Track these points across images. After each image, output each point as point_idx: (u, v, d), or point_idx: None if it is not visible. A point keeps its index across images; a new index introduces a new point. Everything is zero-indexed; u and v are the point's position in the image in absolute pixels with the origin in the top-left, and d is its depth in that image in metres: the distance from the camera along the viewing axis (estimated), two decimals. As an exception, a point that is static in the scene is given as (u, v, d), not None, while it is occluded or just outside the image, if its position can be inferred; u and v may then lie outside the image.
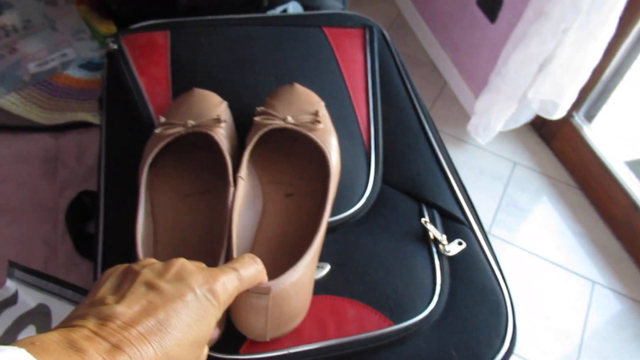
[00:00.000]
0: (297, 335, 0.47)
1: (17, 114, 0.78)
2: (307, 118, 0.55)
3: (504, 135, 1.66)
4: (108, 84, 0.65)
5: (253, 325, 0.43)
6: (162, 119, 0.56)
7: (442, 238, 0.55)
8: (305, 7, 0.84)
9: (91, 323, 0.29)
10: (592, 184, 1.55)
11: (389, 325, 0.48)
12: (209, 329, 0.33)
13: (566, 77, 1.40)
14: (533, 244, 1.44)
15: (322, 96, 0.63)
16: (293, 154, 0.58)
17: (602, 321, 1.30)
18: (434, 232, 0.55)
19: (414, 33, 1.94)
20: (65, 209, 0.70)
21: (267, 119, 0.54)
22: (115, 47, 0.67)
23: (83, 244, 0.66)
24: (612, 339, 1.27)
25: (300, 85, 0.61)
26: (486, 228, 1.45)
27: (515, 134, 1.68)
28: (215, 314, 0.33)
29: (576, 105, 1.53)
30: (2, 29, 0.83)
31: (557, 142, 1.64)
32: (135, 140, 0.59)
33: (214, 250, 0.51)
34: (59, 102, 0.80)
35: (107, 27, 0.87)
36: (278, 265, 0.49)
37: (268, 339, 0.45)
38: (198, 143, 0.58)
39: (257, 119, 0.55)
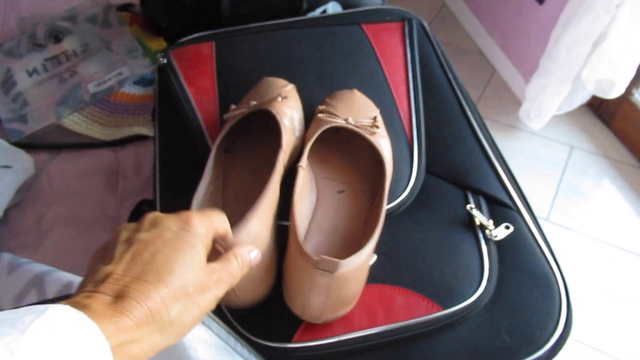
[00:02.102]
0: (347, 323, 0.48)
1: (80, 132, 0.83)
2: (367, 122, 0.58)
3: (559, 118, 1.61)
4: (159, 97, 0.69)
5: (312, 303, 0.45)
6: (233, 107, 0.60)
7: (489, 223, 0.55)
8: (345, 6, 0.86)
9: (89, 287, 0.32)
10: (657, 163, 1.48)
11: (438, 311, 0.49)
12: (199, 255, 0.35)
13: (622, 54, 1.34)
14: (597, 229, 1.39)
15: (364, 92, 0.64)
16: (347, 154, 0.60)
17: (677, 305, 1.24)
18: (479, 217, 0.55)
19: (459, 22, 1.91)
20: (126, 218, 0.74)
21: (330, 117, 0.57)
22: (165, 61, 0.71)
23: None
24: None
25: (359, 91, 0.63)
26: (544, 215, 1.41)
27: (571, 117, 1.62)
28: (197, 242, 0.36)
29: (635, 82, 1.47)
30: (64, 55, 0.89)
31: (617, 122, 1.58)
32: (186, 148, 0.63)
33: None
34: (117, 118, 0.85)
35: (158, 44, 0.92)
36: (329, 254, 0.51)
37: (321, 321, 0.47)
38: (269, 125, 0.61)
39: (320, 115, 0.57)
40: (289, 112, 0.59)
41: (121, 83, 0.87)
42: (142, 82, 0.88)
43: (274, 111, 0.56)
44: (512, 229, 0.55)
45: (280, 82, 0.64)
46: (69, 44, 0.90)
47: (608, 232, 1.38)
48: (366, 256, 0.47)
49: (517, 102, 1.67)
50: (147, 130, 0.83)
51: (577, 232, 1.39)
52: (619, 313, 1.24)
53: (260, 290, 0.49)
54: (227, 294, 0.45)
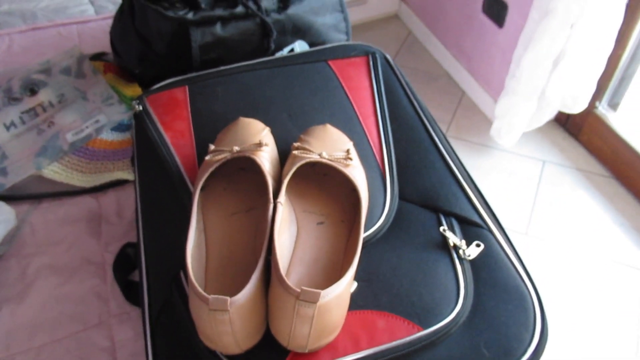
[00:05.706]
0: (332, 349, 0.50)
1: (60, 180, 0.84)
2: (340, 155, 0.60)
3: (530, 135, 1.66)
4: (137, 143, 0.71)
5: (297, 334, 0.47)
6: (212, 147, 0.62)
7: (461, 243, 0.57)
8: (311, 44, 0.89)
9: None
10: (626, 172, 1.53)
11: (419, 331, 0.51)
12: None
13: (581, 70, 1.40)
14: (575, 240, 1.42)
15: (334, 125, 0.67)
16: (324, 187, 0.63)
17: (657, 309, 1.27)
18: (452, 238, 0.57)
19: (426, 49, 1.97)
20: (112, 262, 0.75)
21: (304, 153, 0.59)
22: (140, 108, 0.73)
23: (131, 293, 0.71)
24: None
25: (331, 126, 0.66)
26: (523, 229, 1.45)
27: (540, 133, 1.68)
28: None
29: (597, 95, 1.53)
30: (40, 106, 0.90)
31: (585, 135, 1.63)
32: (166, 191, 0.65)
33: (256, 260, 0.55)
34: (96, 165, 0.87)
35: (133, 90, 0.95)
36: (312, 285, 0.53)
37: (307, 350, 0.48)
38: (245, 166, 0.65)
39: (295, 152, 0.60)
40: (268, 157, 0.61)
41: (99, 130, 0.88)
42: (119, 128, 0.90)
43: (258, 161, 0.59)
44: (482, 246, 0.57)
45: (257, 125, 0.66)
46: (44, 95, 0.92)
47: (586, 241, 1.42)
48: (346, 284, 0.48)
49: (487, 122, 1.72)
50: (127, 175, 0.85)
51: (556, 243, 1.42)
52: (600, 318, 1.27)
53: (258, 338, 0.50)
54: (227, 347, 0.47)
